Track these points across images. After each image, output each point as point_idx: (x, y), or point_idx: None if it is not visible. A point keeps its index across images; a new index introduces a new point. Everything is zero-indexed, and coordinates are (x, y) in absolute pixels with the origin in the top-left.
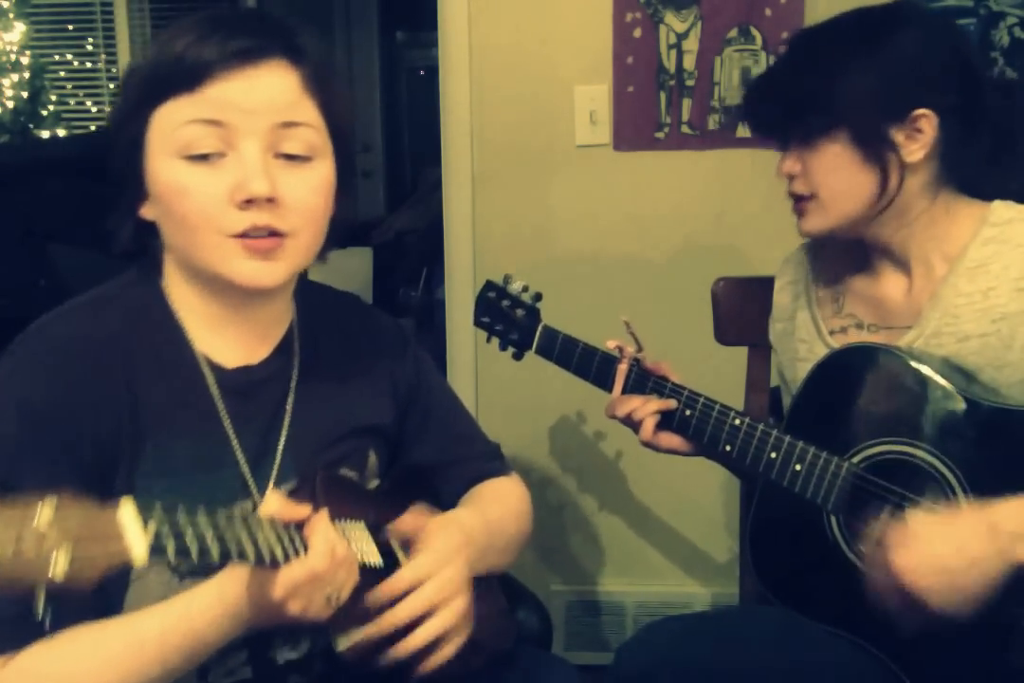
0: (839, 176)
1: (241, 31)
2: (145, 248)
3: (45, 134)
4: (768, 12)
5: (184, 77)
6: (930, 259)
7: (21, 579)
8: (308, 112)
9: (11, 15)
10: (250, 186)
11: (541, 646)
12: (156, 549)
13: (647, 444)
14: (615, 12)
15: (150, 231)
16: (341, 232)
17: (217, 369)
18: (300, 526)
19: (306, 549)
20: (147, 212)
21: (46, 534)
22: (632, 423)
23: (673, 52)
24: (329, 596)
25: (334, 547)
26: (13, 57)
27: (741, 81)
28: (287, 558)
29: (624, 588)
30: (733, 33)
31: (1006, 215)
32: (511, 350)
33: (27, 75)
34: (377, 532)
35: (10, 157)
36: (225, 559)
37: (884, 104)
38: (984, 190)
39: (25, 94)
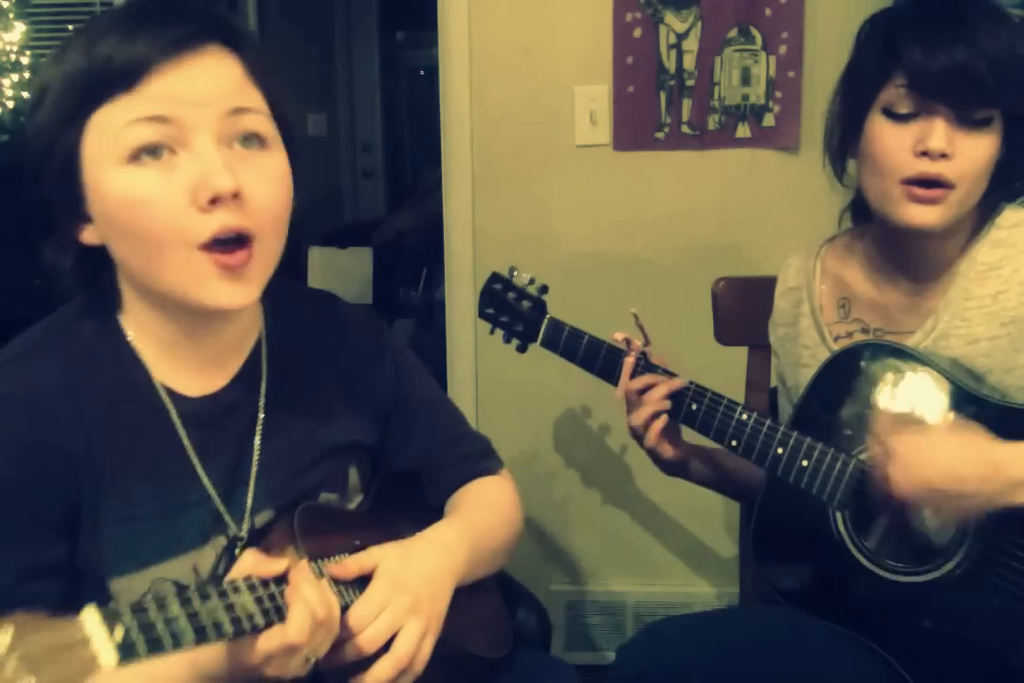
0: (984, 169)
1: (172, 20)
2: (94, 280)
3: None
4: (768, 12)
5: (120, 76)
6: (940, 263)
7: None
8: (254, 98)
9: (11, 15)
10: (213, 182)
11: (540, 646)
12: (126, 651)
13: (653, 449)
14: (615, 12)
15: (96, 258)
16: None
17: (179, 400)
18: (280, 579)
19: (287, 608)
20: (90, 237)
21: (6, 660)
22: (641, 416)
23: (673, 52)
24: (307, 656)
25: (314, 613)
26: (13, 57)
27: (741, 81)
28: (267, 621)
29: (624, 588)
30: (733, 33)
31: (1013, 218)
32: (514, 343)
33: (27, 75)
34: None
35: (10, 157)
36: (202, 638)
37: None
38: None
39: (25, 94)
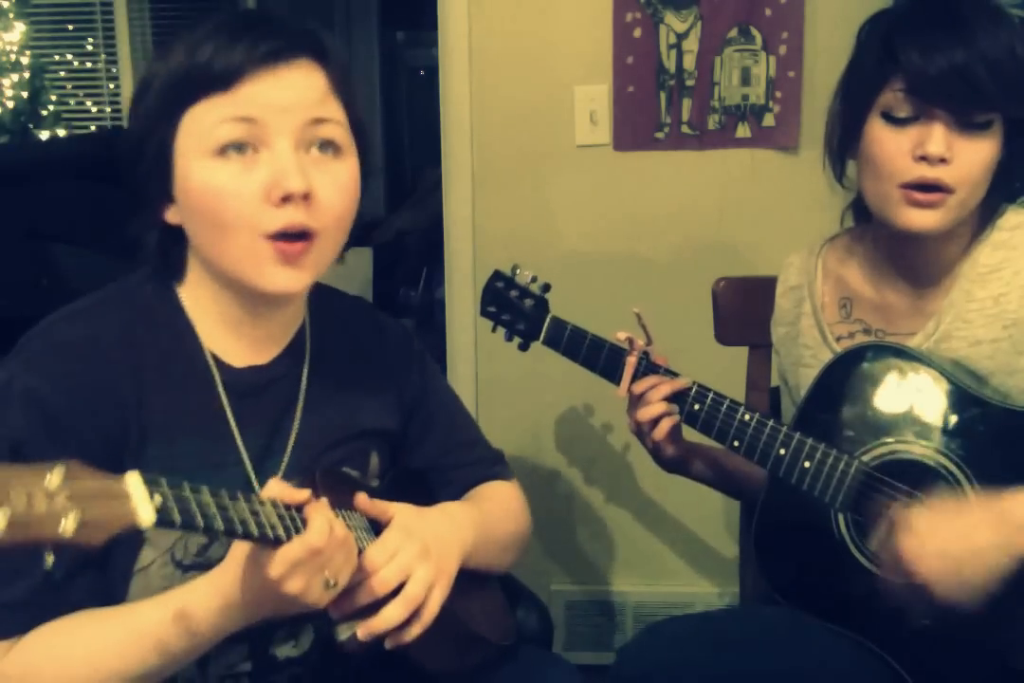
0: (984, 173)
1: (269, 34)
2: (168, 253)
3: (45, 134)
4: (768, 12)
5: (217, 79)
6: (941, 265)
7: (32, 535)
8: (334, 110)
9: (11, 15)
10: (286, 183)
11: (541, 645)
12: (162, 517)
13: (656, 446)
14: (615, 12)
15: (174, 236)
16: (353, 234)
17: (225, 368)
18: (300, 509)
19: (306, 527)
20: (172, 216)
21: (56, 493)
22: (648, 415)
23: (673, 52)
24: (327, 580)
25: (333, 526)
26: (13, 57)
27: (741, 81)
28: (288, 536)
29: (625, 587)
30: (733, 33)
31: (1014, 220)
32: (515, 342)
33: (27, 75)
34: (376, 524)
35: (10, 157)
36: (230, 528)
37: None
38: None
39: (25, 94)
